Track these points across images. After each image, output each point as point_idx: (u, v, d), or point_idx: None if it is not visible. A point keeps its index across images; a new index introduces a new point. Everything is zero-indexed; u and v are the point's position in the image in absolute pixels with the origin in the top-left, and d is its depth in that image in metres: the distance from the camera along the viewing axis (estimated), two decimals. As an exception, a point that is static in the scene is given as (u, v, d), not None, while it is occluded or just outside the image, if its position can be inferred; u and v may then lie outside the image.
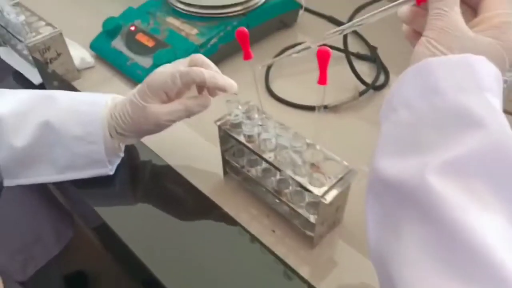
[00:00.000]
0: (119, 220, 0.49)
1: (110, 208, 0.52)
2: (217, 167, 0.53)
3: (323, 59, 0.35)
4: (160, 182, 0.54)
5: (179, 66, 0.47)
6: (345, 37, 0.69)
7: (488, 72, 0.28)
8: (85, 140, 0.49)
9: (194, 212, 0.50)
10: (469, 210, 0.24)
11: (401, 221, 0.26)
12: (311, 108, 0.62)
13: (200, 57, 0.48)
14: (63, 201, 0.78)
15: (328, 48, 0.35)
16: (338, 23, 0.80)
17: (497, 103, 0.27)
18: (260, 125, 0.43)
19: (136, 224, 0.49)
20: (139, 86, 0.49)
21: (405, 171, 0.26)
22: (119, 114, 0.49)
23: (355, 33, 0.76)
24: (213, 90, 0.49)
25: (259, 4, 0.72)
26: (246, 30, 0.42)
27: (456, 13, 0.31)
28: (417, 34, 0.34)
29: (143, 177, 0.55)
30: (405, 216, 0.26)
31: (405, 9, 0.34)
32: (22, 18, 0.64)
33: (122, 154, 0.53)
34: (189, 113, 0.48)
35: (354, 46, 0.73)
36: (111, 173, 0.52)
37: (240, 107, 0.46)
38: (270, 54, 0.71)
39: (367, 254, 0.31)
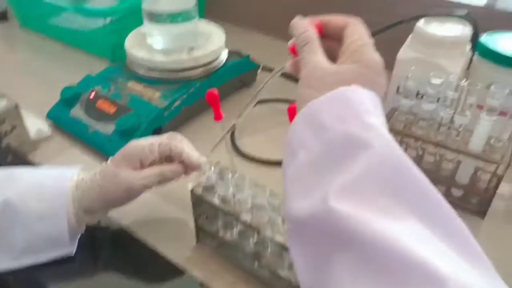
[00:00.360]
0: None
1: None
2: (189, 234, 0.51)
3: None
4: (123, 255, 0.51)
5: (155, 139, 0.49)
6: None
7: (360, 97, 0.30)
8: (46, 217, 0.46)
9: (166, 284, 0.47)
10: (379, 222, 0.24)
11: (325, 256, 0.26)
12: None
13: (178, 134, 0.50)
14: None
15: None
16: (295, 79, 0.83)
17: (377, 121, 0.29)
18: (235, 185, 0.42)
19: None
20: (111, 158, 0.48)
21: (312, 207, 0.27)
22: (86, 184, 0.47)
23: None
24: (186, 166, 0.49)
25: (219, 66, 0.74)
26: (216, 91, 0.42)
27: (317, 56, 0.34)
28: None
29: (105, 251, 0.51)
30: (327, 249, 0.26)
31: (288, 64, 0.39)
32: (-27, 91, 0.61)
33: (82, 231, 0.49)
34: (162, 178, 0.48)
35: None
36: (73, 253, 0.48)
37: (212, 168, 0.45)
38: (232, 113, 0.71)
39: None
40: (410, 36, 0.61)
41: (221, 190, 0.44)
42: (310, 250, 0.28)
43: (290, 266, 0.42)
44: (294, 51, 0.37)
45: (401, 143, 0.54)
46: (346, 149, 0.28)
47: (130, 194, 0.47)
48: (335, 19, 0.36)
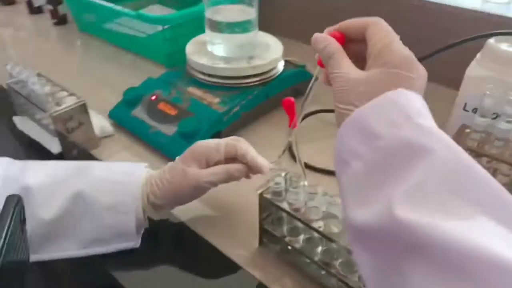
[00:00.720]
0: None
1: (134, 279, 0.48)
2: (252, 237, 0.51)
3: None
4: (184, 251, 0.51)
5: (221, 140, 0.50)
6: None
7: (408, 100, 0.29)
8: (116, 210, 0.47)
9: (228, 284, 0.47)
10: (449, 224, 0.23)
11: (395, 263, 0.25)
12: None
13: (242, 138, 0.52)
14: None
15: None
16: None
17: (429, 123, 0.28)
18: (310, 193, 0.42)
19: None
20: (178, 157, 0.50)
21: (375, 216, 0.26)
22: (156, 181, 0.49)
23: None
24: (249, 168, 0.50)
25: (276, 75, 0.75)
26: (293, 99, 0.42)
27: (344, 67, 0.33)
28: None
29: (168, 246, 0.52)
30: (396, 257, 0.25)
31: (321, 76, 0.38)
32: (47, 88, 0.64)
33: (147, 225, 0.51)
34: (229, 176, 0.49)
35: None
36: (137, 246, 0.49)
37: (282, 174, 0.45)
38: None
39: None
40: (479, 54, 0.60)
41: (293, 196, 0.44)
42: (377, 258, 0.27)
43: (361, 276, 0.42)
44: (322, 64, 0.37)
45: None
46: (404, 155, 0.27)
47: (197, 191, 0.49)
48: (353, 23, 0.35)
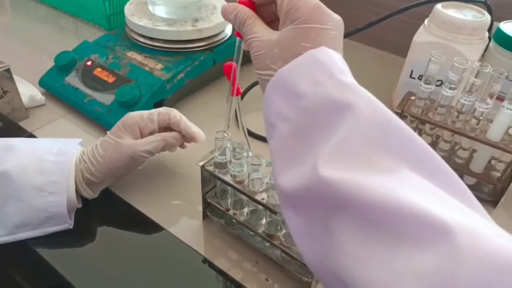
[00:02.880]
0: (84, 279, 0.43)
1: (71, 264, 0.45)
2: (195, 211, 0.49)
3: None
4: (127, 230, 0.48)
5: (154, 110, 0.50)
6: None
7: (330, 57, 0.28)
8: (45, 191, 0.43)
9: (171, 260, 0.45)
10: (373, 179, 0.23)
11: (324, 222, 0.26)
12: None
13: (174, 109, 0.51)
14: None
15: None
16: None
17: (351, 80, 0.28)
18: (254, 164, 0.40)
19: (103, 280, 0.43)
20: (109, 131, 0.48)
21: (302, 177, 0.26)
22: (88, 157, 0.46)
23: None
24: (183, 137, 0.50)
25: (224, 39, 0.71)
26: (235, 64, 0.39)
27: (257, 32, 0.32)
28: None
29: (106, 226, 0.49)
30: (324, 216, 0.25)
31: (244, 44, 0.36)
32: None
33: (80, 205, 0.47)
34: (165, 144, 0.48)
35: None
36: (71, 227, 0.46)
37: (228, 145, 0.43)
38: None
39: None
40: (426, 20, 0.59)
41: (236, 168, 0.41)
42: (307, 220, 0.27)
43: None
44: (239, 34, 0.35)
45: (416, 128, 0.53)
46: (328, 113, 0.26)
47: (134, 161, 0.47)
48: None
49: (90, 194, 0.47)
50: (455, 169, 0.51)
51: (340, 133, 0.25)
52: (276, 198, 0.40)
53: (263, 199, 0.40)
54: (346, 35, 0.63)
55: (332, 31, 0.30)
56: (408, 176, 0.24)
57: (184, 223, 0.49)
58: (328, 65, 0.28)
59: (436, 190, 0.24)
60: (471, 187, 0.51)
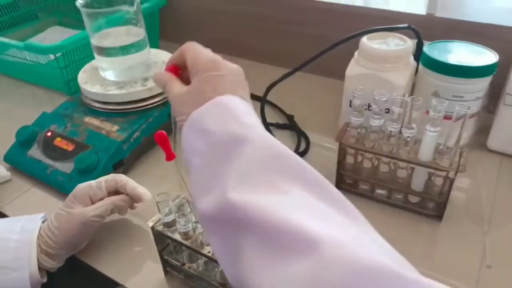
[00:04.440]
0: None
1: None
2: (157, 268, 0.51)
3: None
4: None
5: (101, 178, 0.54)
6: (262, 110, 0.73)
7: (234, 102, 0.34)
8: (9, 268, 0.46)
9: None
10: (267, 200, 0.28)
11: (236, 242, 0.29)
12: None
13: (121, 174, 0.55)
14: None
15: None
16: (256, 97, 0.84)
17: (253, 119, 0.34)
18: (195, 222, 0.43)
19: None
20: (62, 203, 0.51)
21: (214, 202, 0.30)
22: (45, 231, 0.49)
23: (272, 104, 0.80)
24: (131, 198, 0.54)
25: (176, 91, 0.74)
26: (164, 133, 0.42)
27: (174, 90, 0.38)
28: None
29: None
30: (236, 236, 0.29)
31: None
32: None
33: (44, 280, 0.49)
34: (114, 206, 0.51)
35: (273, 117, 0.77)
36: None
37: (171, 202, 0.45)
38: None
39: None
40: (356, 52, 0.63)
41: (182, 225, 0.44)
42: (222, 239, 0.31)
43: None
44: None
45: (356, 155, 0.56)
46: (231, 146, 0.31)
47: (86, 228, 0.50)
48: (175, 54, 0.41)
49: (53, 264, 0.49)
50: (398, 190, 0.54)
51: (240, 162, 0.30)
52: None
53: (209, 252, 0.43)
54: (296, 68, 0.67)
55: (228, 76, 0.37)
56: (297, 195, 0.28)
57: (148, 281, 0.50)
58: (233, 108, 0.34)
59: (319, 206, 0.28)
60: (416, 205, 0.55)
